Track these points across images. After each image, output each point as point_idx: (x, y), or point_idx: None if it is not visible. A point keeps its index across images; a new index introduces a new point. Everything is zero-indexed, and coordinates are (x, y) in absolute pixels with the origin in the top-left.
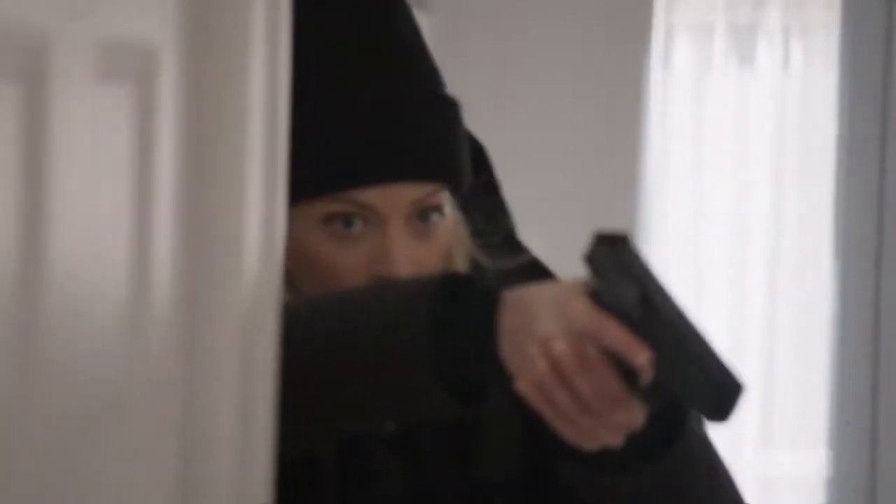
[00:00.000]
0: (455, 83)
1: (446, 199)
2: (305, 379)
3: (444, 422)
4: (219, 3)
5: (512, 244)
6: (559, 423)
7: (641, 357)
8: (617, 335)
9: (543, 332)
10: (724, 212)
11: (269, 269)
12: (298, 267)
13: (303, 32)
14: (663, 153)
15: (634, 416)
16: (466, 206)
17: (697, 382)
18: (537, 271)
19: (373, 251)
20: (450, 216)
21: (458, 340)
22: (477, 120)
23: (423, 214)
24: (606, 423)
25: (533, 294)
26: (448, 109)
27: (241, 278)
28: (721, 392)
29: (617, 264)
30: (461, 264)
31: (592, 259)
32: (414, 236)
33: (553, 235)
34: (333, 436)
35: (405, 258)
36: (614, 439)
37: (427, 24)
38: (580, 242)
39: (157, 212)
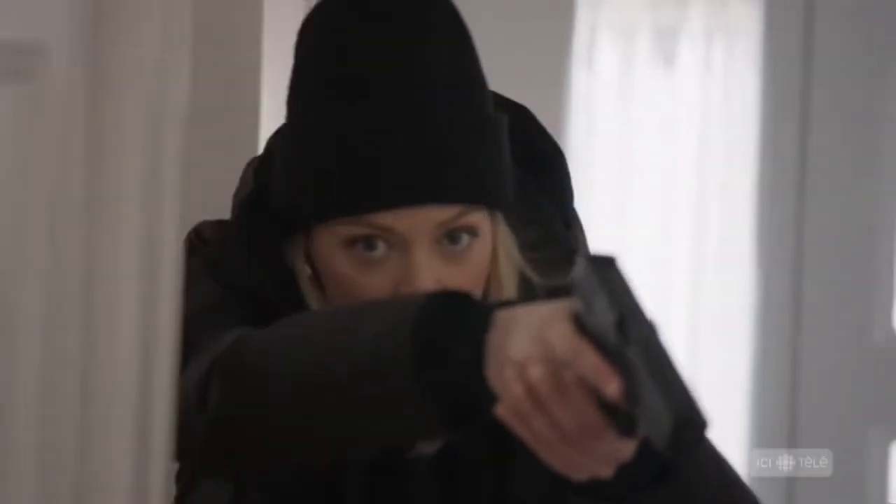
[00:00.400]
0: None
1: (481, 219)
2: (302, 401)
3: (475, 442)
4: (113, 1)
5: (571, 259)
6: (541, 452)
7: (611, 386)
8: (590, 362)
9: (520, 355)
10: (648, 212)
11: (163, 266)
12: (330, 286)
13: (322, 48)
14: (587, 154)
15: (620, 447)
16: (519, 217)
17: (659, 414)
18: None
19: (398, 274)
20: (488, 234)
21: (444, 361)
22: None
23: (452, 236)
24: (590, 453)
25: (519, 315)
26: (479, 127)
27: (135, 275)
28: (680, 426)
29: (601, 287)
30: (508, 281)
31: (579, 281)
32: (442, 258)
33: None
34: (340, 456)
35: (431, 281)
36: (602, 470)
37: None
38: None
39: (43, 209)
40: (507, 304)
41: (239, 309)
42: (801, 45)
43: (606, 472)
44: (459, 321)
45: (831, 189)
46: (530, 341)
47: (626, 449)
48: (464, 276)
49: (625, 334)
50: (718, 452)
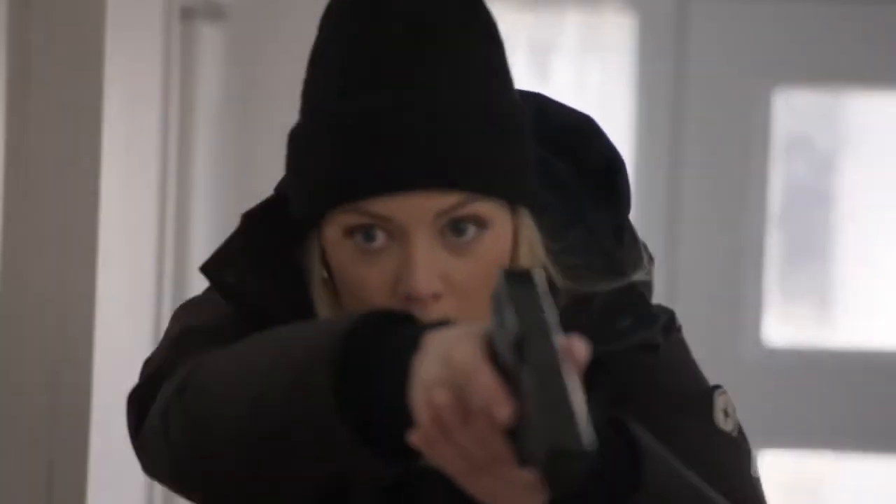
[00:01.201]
0: (253, 92)
1: (491, 210)
2: (240, 433)
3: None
4: None
5: (612, 269)
6: (461, 482)
7: (500, 412)
8: (484, 385)
9: (427, 378)
10: None
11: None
12: (340, 287)
13: (331, 40)
14: None
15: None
16: (560, 221)
17: (539, 441)
18: (620, 299)
19: (398, 267)
20: (505, 229)
21: (368, 389)
22: (277, 128)
23: (457, 227)
24: (510, 483)
25: (438, 335)
26: (490, 117)
27: None
28: (554, 457)
29: (509, 303)
30: None
31: (494, 297)
32: (447, 251)
33: None
34: (297, 491)
35: (430, 274)
36: (529, 502)
37: (222, 35)
38: None
39: None
40: (444, 323)
41: (238, 327)
42: (674, 62)
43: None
44: (390, 343)
45: (702, 204)
46: (438, 363)
47: None
48: (471, 270)
49: (521, 355)
50: (688, 481)
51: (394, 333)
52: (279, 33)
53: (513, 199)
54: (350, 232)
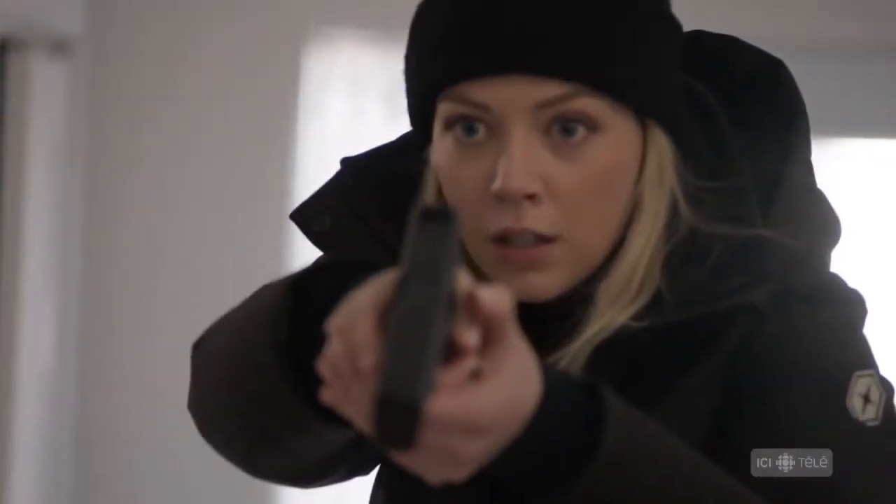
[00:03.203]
0: (99, 131)
1: (604, 111)
2: (217, 386)
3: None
4: None
5: (743, 218)
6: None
7: (362, 358)
8: (358, 330)
9: (330, 329)
10: None
11: None
12: (444, 190)
13: None
14: None
15: (465, 446)
16: (714, 168)
17: (376, 386)
18: (741, 254)
19: (494, 163)
20: (623, 137)
21: (309, 344)
22: (122, 168)
23: (565, 127)
24: (428, 450)
25: (369, 280)
26: (619, 9)
27: None
28: (383, 403)
29: (411, 239)
30: (653, 204)
31: (409, 232)
32: (551, 150)
33: (206, 282)
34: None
35: (525, 170)
36: (453, 473)
37: (67, 72)
38: (236, 291)
39: None
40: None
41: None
42: None
43: (458, 475)
44: (337, 291)
45: None
46: (343, 312)
47: (473, 449)
48: (577, 176)
49: (402, 293)
50: (671, 450)
51: (348, 281)
52: (130, 67)
53: (636, 105)
54: (451, 123)
